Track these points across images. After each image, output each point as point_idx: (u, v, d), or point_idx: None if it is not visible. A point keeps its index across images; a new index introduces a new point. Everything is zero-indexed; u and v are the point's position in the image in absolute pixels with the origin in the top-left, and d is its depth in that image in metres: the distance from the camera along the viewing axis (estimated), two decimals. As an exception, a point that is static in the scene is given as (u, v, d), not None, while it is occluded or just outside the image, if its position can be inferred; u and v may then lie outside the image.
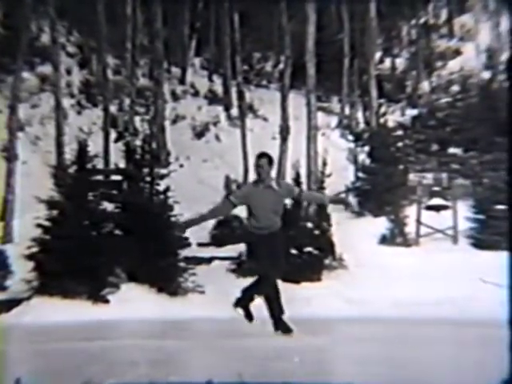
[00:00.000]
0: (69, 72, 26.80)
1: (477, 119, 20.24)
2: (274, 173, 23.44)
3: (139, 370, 5.23)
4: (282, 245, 7.62)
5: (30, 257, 11.63)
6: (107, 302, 11.50)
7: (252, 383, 4.60)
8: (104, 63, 23.39)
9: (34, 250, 11.66)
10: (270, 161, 7.74)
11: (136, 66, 26.75)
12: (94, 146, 16.29)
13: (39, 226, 11.80)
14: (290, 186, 8.17)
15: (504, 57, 30.72)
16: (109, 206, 13.10)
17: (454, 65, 32.28)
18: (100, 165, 17.72)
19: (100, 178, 16.14)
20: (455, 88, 27.16)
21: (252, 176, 21.49)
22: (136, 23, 26.57)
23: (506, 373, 4.81)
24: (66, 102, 23.63)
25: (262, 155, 7.74)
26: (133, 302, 11.36)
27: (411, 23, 35.28)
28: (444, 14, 37.47)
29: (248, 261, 8.64)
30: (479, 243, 15.40)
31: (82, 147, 13.04)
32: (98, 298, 11.41)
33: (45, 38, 25.39)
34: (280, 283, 7.93)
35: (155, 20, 24.65)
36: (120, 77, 26.62)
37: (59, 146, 19.17)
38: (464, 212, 16.09)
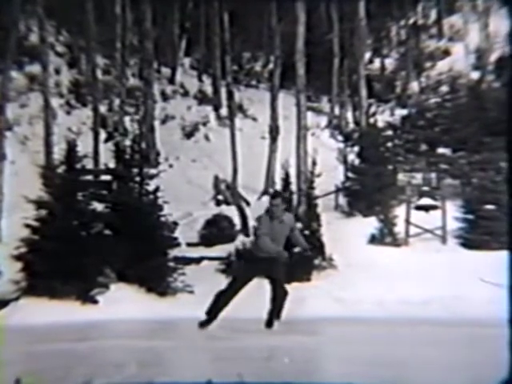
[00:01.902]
0: (58, 71, 26.70)
1: (466, 119, 20.31)
2: (262, 173, 23.19)
3: (127, 370, 5.21)
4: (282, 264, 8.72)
5: (18, 257, 11.55)
6: (96, 302, 11.45)
7: (252, 383, 4.60)
8: (93, 63, 23.32)
9: (23, 250, 11.59)
10: (283, 199, 9.14)
11: (126, 65, 26.69)
12: (84, 146, 16.23)
13: (27, 226, 11.73)
14: (293, 219, 9.19)
15: (493, 57, 30.89)
16: (98, 206, 13.06)
17: (443, 65, 32.38)
18: (89, 165, 17.67)
19: (89, 178, 16.09)
20: (444, 88, 27.25)
21: (240, 176, 21.66)
22: (125, 23, 26.51)
23: (498, 371, 4.82)
24: (55, 102, 23.53)
25: (277, 195, 9.23)
26: (122, 302, 11.32)
27: (400, 24, 35.38)
28: (433, 15, 37.60)
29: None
30: (468, 243, 15.43)
31: (71, 147, 12.98)
32: (87, 298, 11.36)
33: (33, 38, 25.28)
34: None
35: (145, 19, 24.60)
36: (109, 77, 26.55)
37: (48, 145, 19.09)
38: (453, 212, 16.12)
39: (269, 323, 8.53)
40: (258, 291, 12.36)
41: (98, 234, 12.36)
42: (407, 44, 33.04)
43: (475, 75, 29.86)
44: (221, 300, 8.54)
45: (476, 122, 19.88)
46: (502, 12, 35.87)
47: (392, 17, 35.38)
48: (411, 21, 34.73)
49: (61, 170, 12.67)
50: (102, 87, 24.79)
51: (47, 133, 19.43)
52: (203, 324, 8.48)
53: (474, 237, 15.34)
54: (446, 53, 34.57)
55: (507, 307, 3.88)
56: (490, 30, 31.08)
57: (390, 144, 20.65)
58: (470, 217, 15.84)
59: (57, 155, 14.89)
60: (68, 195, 12.18)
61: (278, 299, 8.56)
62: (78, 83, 26.48)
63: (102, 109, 24.15)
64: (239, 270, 9.08)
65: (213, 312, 8.51)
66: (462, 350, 7.27)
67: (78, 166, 12.89)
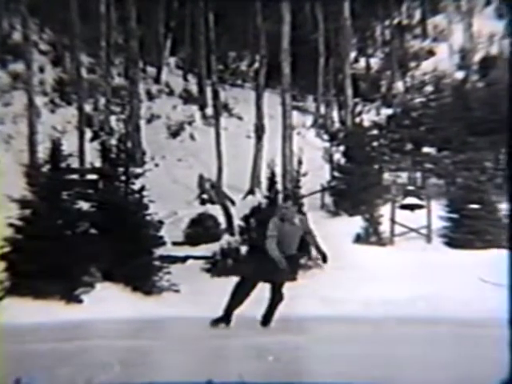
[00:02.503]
0: (42, 70, 26.52)
1: (450, 119, 20.41)
2: (248, 173, 23.17)
3: (112, 370, 5.18)
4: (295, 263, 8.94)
5: (1, 257, 11.46)
6: (80, 301, 11.39)
7: (252, 383, 4.58)
8: (78, 61, 23.20)
9: (6, 249, 11.50)
10: (294, 201, 9.44)
11: (111, 64, 26.59)
12: (69, 145, 16.14)
13: (11, 225, 11.64)
14: (307, 222, 9.13)
15: (477, 57, 31.09)
16: (84, 205, 13.02)
17: (427, 65, 32.55)
18: (75, 164, 17.58)
19: (75, 177, 16.01)
20: (429, 88, 27.37)
21: (225, 175, 21.64)
22: (110, 21, 26.39)
23: (483, 369, 4.84)
24: (39, 100, 23.37)
25: (288, 197, 9.76)
26: (107, 302, 11.26)
27: (385, 24, 35.52)
28: (417, 15, 37.81)
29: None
30: (453, 242, 15.52)
31: (56, 146, 12.90)
32: (72, 297, 11.29)
33: (17, 36, 25.09)
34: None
35: (130, 18, 24.48)
36: (94, 75, 26.42)
37: (32, 144, 18.98)
38: (438, 211, 16.20)
39: (264, 322, 8.68)
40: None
41: (83, 233, 12.30)
42: (392, 44, 33.18)
43: (459, 75, 30.05)
44: (235, 299, 8.56)
45: (460, 122, 19.98)
46: (485, 12, 36.21)
47: (377, 17, 35.52)
48: (396, 21, 34.89)
49: (45, 169, 12.60)
50: (87, 86, 24.68)
51: (31, 131, 19.32)
52: (215, 322, 8.50)
53: (459, 236, 15.42)
54: (431, 53, 34.76)
55: (507, 307, 3.89)
56: (473, 30, 31.29)
57: (375, 143, 20.71)
58: (455, 216, 15.93)
59: (41, 154, 14.83)
60: (53, 194, 12.10)
61: (274, 302, 8.66)
62: (63, 82, 26.31)
63: (88, 108, 24.04)
64: (249, 270, 8.96)
65: (226, 310, 8.56)
66: (447, 349, 7.29)
67: (63, 165, 12.82)
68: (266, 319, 8.73)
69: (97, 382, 4.50)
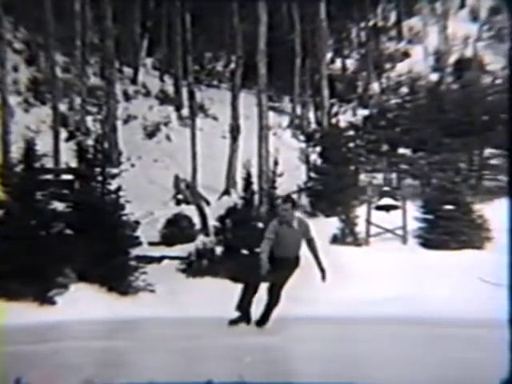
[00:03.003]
0: (15, 69, 26.23)
1: (425, 120, 20.54)
2: (223, 173, 23.07)
3: (85, 372, 5.12)
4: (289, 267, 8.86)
5: (-26, 258, 11.31)
6: (54, 303, 11.29)
7: (252, 383, 4.57)
8: (52, 60, 22.96)
9: (-21, 250, 11.35)
10: (294, 204, 9.10)
11: (86, 64, 26.38)
12: (44, 145, 15.99)
13: (-16, 226, 11.51)
14: (308, 228, 9.03)
15: (451, 59, 31.36)
16: (59, 206, 12.92)
17: (402, 67, 32.77)
18: (49, 164, 17.42)
19: (49, 177, 15.86)
20: (404, 89, 27.56)
21: (201, 175, 21.57)
22: (85, 20, 26.18)
23: (457, 369, 4.86)
24: (13, 100, 23.10)
25: (287, 200, 9.14)
26: (82, 303, 11.18)
27: (360, 25, 35.70)
28: (393, 17, 38.05)
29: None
30: (428, 243, 15.60)
31: (30, 146, 12.80)
32: (45, 299, 11.18)
33: (-10, 35, 24.78)
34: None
35: (105, 17, 24.30)
36: (69, 75, 26.20)
37: (5, 144, 18.75)
38: (413, 212, 16.29)
39: (259, 322, 8.75)
40: (222, 292, 12.36)
41: (58, 233, 12.21)
42: (367, 45, 33.34)
43: (434, 77, 30.28)
44: (245, 298, 8.67)
45: (435, 123, 20.11)
46: (460, 15, 36.56)
47: (352, 19, 35.68)
48: (371, 23, 35.08)
49: (19, 169, 12.48)
50: (62, 85, 24.46)
51: (4, 131, 19.09)
52: (234, 322, 8.61)
53: (434, 237, 15.50)
54: (406, 55, 34.99)
55: (507, 307, 3.90)
56: (448, 32, 31.54)
57: (351, 144, 20.77)
58: (430, 217, 16.02)
59: (15, 154, 14.66)
60: (26, 194, 11.99)
61: (270, 304, 8.73)
62: (37, 81, 26.04)
63: (63, 107, 23.83)
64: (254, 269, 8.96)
65: (242, 309, 8.66)
66: (422, 348, 7.33)
67: (37, 165, 12.73)
68: (262, 320, 8.78)
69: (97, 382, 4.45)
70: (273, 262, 8.54)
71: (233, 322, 8.61)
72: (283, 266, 8.69)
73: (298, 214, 9.24)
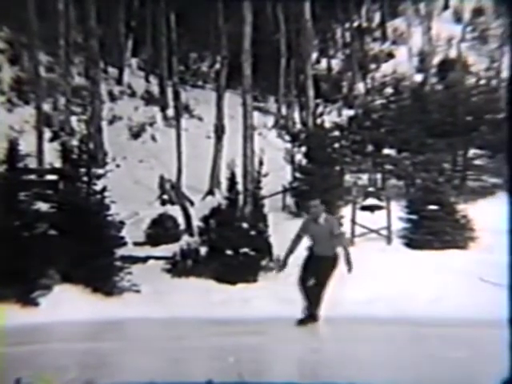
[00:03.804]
0: (-1, 68, 26.09)
1: (409, 121, 20.62)
2: (208, 173, 22.99)
3: (69, 373, 5.09)
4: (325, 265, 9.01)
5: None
6: (37, 304, 11.21)
7: (252, 383, 4.56)
8: (36, 60, 22.79)
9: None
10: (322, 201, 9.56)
11: (70, 64, 26.25)
12: (27, 145, 15.90)
13: (-34, 226, 11.41)
14: (334, 224, 9.41)
15: (435, 60, 31.53)
16: (43, 206, 12.84)
17: (387, 67, 32.88)
18: (33, 164, 17.31)
19: (33, 177, 15.75)
20: (389, 90, 27.65)
21: (185, 176, 21.53)
22: (69, 20, 26.04)
23: (440, 369, 4.88)
24: (-4, 100, 22.98)
25: (316, 195, 9.85)
26: (66, 304, 11.11)
27: (345, 26, 35.80)
28: (377, 18, 38.19)
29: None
30: (412, 243, 15.65)
31: (13, 146, 12.73)
32: (28, 300, 11.10)
33: (-27, 34, 24.63)
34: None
35: (89, 17, 24.19)
36: (54, 75, 26.05)
37: (-12, 144, 18.59)
38: (397, 212, 16.35)
39: (301, 321, 8.92)
40: (207, 292, 12.36)
41: (42, 234, 12.12)
42: (352, 46, 33.44)
43: (418, 78, 30.43)
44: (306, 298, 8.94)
45: (419, 124, 20.20)
46: (443, 16, 36.78)
47: (337, 19, 35.79)
48: (355, 24, 35.19)
49: (2, 169, 12.39)
50: (46, 85, 24.29)
51: (-12, 131, 18.94)
52: (301, 322, 8.82)
53: (418, 237, 15.56)
54: (390, 55, 35.14)
55: (507, 307, 3.92)
56: (432, 33, 31.69)
57: (337, 145, 20.81)
58: (414, 217, 16.08)
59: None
60: (9, 195, 11.91)
61: (311, 299, 8.89)
62: (20, 80, 25.85)
63: (47, 107, 23.67)
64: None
65: (310, 309, 8.85)
66: (405, 349, 7.36)
67: (21, 165, 12.66)
68: (305, 318, 8.97)
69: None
70: (312, 260, 8.83)
71: (301, 322, 8.77)
72: (319, 265, 8.87)
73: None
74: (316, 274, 8.96)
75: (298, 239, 9.23)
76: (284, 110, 28.94)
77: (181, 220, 17.18)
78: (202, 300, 11.75)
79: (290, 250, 9.24)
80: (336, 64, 34.40)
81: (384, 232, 16.24)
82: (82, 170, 13.33)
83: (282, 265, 8.96)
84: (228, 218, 14.30)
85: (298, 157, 20.39)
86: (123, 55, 30.49)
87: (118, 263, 12.72)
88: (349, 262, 9.00)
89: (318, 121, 22.57)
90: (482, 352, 6.69)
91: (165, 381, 4.41)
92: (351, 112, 26.33)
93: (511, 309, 3.86)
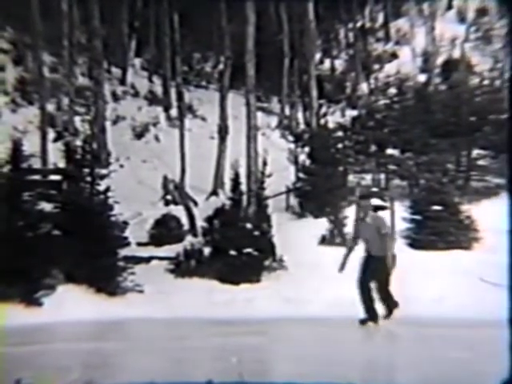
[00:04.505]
0: (2, 69, 26.12)
1: (412, 121, 20.58)
2: (211, 174, 22.94)
3: (72, 373, 5.10)
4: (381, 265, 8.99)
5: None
6: (40, 304, 11.23)
7: (252, 383, 4.56)
8: (40, 60, 22.83)
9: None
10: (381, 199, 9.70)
11: (74, 64, 26.27)
12: (31, 146, 15.92)
13: (-29, 226, 11.43)
14: (381, 223, 9.33)
15: (439, 60, 31.48)
16: (47, 206, 12.87)
17: (390, 68, 32.82)
18: (37, 164, 17.33)
19: (37, 177, 15.78)
20: (392, 90, 27.60)
21: (189, 176, 21.53)
22: (73, 20, 26.07)
23: (443, 370, 4.87)
24: (0, 100, 22.99)
25: (365, 196, 9.97)
26: (69, 304, 11.13)
27: (348, 26, 35.75)
28: (380, 18, 38.12)
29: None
30: (415, 243, 15.63)
31: (17, 146, 12.75)
32: (31, 300, 11.12)
33: (-23, 34, 24.67)
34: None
35: (93, 17, 24.23)
36: (57, 75, 26.08)
37: (-8, 144, 18.62)
38: (401, 212, 16.32)
39: (363, 321, 9.00)
40: (210, 293, 12.36)
41: (45, 234, 12.14)
42: (355, 46, 33.39)
43: (422, 78, 30.36)
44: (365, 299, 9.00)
45: (422, 124, 20.16)
46: (447, 16, 36.72)
47: (340, 20, 35.74)
48: (359, 24, 35.13)
49: (6, 169, 12.41)
50: (50, 85, 24.33)
51: (-8, 132, 18.97)
52: (363, 321, 8.92)
53: (422, 237, 15.54)
54: (394, 56, 35.06)
55: (507, 307, 3.92)
56: (435, 33, 31.63)
57: (340, 145, 20.77)
58: (418, 217, 16.06)
59: (2, 154, 14.57)
60: (13, 195, 11.93)
61: (382, 299, 8.93)
62: (24, 81, 25.90)
63: (50, 108, 23.71)
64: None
65: (370, 309, 8.93)
66: (407, 349, 7.35)
67: (25, 165, 12.69)
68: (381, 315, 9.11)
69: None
70: (368, 261, 8.93)
71: (362, 322, 8.88)
72: (375, 265, 8.91)
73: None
74: (374, 275, 9.01)
75: (353, 242, 9.34)
76: (287, 111, 28.91)
77: (184, 220, 17.19)
78: (205, 300, 11.76)
79: (347, 254, 9.32)
80: (339, 64, 34.35)
81: (387, 232, 16.21)
82: (86, 170, 13.39)
83: (341, 267, 8.98)
84: (232, 219, 14.31)
85: (302, 157, 20.36)
86: (127, 55, 30.50)
87: (122, 263, 12.75)
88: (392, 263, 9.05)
89: (322, 121, 22.51)
90: (483, 352, 6.68)
91: (167, 381, 4.40)
92: (355, 112, 26.29)
93: (511, 309, 3.85)
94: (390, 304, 9.12)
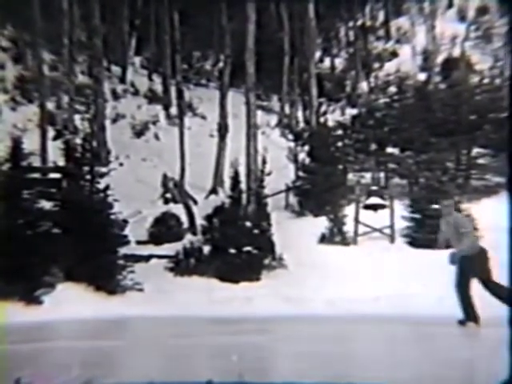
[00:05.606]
0: (2, 67, 26.12)
1: (412, 120, 20.58)
2: (211, 172, 22.88)
3: (72, 372, 5.09)
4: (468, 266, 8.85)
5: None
6: (41, 302, 11.23)
7: (252, 383, 4.55)
8: (40, 58, 22.84)
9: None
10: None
11: (74, 62, 26.26)
12: (31, 144, 15.91)
13: (-30, 224, 11.43)
14: (460, 222, 9.19)
15: (439, 59, 31.47)
16: (46, 205, 12.86)
17: (390, 66, 32.83)
18: (37, 163, 17.32)
19: (37, 175, 15.77)
20: (392, 89, 27.60)
21: (188, 174, 21.53)
22: (73, 18, 26.06)
23: (442, 368, 4.86)
24: (0, 98, 22.98)
25: (447, 195, 9.21)
26: (69, 302, 11.13)
27: (349, 25, 35.74)
28: (380, 17, 38.12)
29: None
30: (415, 242, 15.65)
31: (17, 144, 12.74)
32: (31, 298, 11.12)
33: (-23, 32, 24.66)
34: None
35: (93, 16, 24.22)
36: (57, 73, 26.07)
37: (-8, 143, 18.61)
38: (401, 211, 16.34)
39: (461, 322, 8.75)
40: (209, 291, 12.35)
41: (45, 232, 12.14)
42: (355, 45, 33.38)
43: (422, 76, 30.36)
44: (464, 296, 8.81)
45: (422, 123, 20.16)
46: (447, 15, 36.71)
47: (341, 18, 35.73)
48: (359, 22, 35.12)
49: (5, 167, 12.40)
50: (50, 84, 24.33)
51: (-9, 129, 18.96)
52: (462, 322, 8.73)
53: (421, 235, 15.55)
54: (394, 54, 35.07)
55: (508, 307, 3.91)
56: (436, 32, 31.61)
57: (340, 143, 20.78)
58: (417, 216, 16.07)
59: (1, 153, 14.57)
60: (13, 193, 11.92)
61: (497, 296, 8.66)
62: (24, 79, 25.89)
63: (50, 106, 23.72)
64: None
65: (467, 309, 8.76)
66: (407, 347, 7.35)
67: (24, 163, 12.68)
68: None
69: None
70: (461, 262, 8.78)
71: (461, 323, 8.72)
72: (465, 263, 8.78)
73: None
74: (463, 275, 8.87)
75: (441, 242, 9.43)
76: (287, 109, 28.93)
77: (184, 218, 17.19)
78: (204, 298, 11.76)
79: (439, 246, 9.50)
80: (339, 63, 34.35)
81: (387, 231, 16.23)
82: (86, 168, 13.40)
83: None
84: (231, 217, 14.30)
85: (302, 155, 20.39)
86: (127, 54, 30.53)
87: (121, 262, 12.76)
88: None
89: (322, 120, 22.55)
90: (484, 352, 6.69)
91: (167, 379, 4.40)
92: (354, 111, 26.29)
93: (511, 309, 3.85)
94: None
